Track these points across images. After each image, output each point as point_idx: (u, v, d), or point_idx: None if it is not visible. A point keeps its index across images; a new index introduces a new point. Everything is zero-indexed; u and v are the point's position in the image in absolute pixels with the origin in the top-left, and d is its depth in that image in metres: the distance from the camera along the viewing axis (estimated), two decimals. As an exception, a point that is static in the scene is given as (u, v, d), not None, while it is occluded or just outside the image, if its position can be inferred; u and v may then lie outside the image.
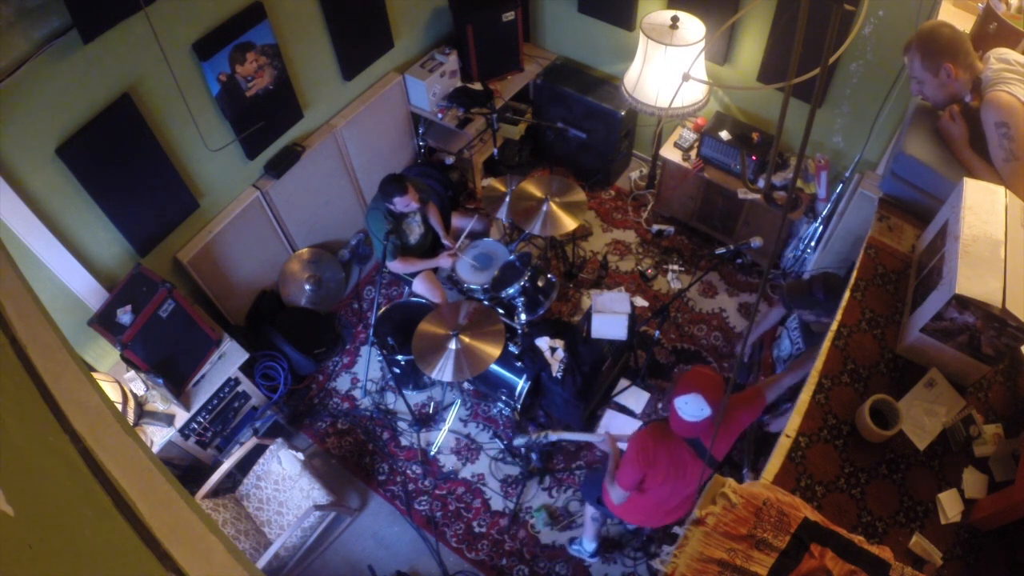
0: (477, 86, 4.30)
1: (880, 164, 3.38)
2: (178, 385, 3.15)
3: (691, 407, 2.18)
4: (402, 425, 3.76)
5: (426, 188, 3.77)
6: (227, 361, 3.32)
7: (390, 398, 3.87)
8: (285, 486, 3.23)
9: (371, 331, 3.36)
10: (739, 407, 2.44)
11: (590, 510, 2.96)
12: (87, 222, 2.89)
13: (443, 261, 3.65)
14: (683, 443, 2.33)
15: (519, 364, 3.36)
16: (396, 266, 3.55)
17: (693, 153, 4.03)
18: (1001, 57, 2.17)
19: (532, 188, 3.53)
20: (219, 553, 0.98)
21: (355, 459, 3.66)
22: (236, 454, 3.25)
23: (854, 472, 1.86)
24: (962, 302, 1.75)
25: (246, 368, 3.42)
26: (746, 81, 3.85)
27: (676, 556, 1.60)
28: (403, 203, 3.40)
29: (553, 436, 2.85)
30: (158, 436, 3.11)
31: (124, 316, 2.89)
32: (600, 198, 4.69)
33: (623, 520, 2.78)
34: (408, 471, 3.60)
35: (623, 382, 3.78)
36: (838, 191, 3.47)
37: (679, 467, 2.36)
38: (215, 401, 3.32)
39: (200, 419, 3.28)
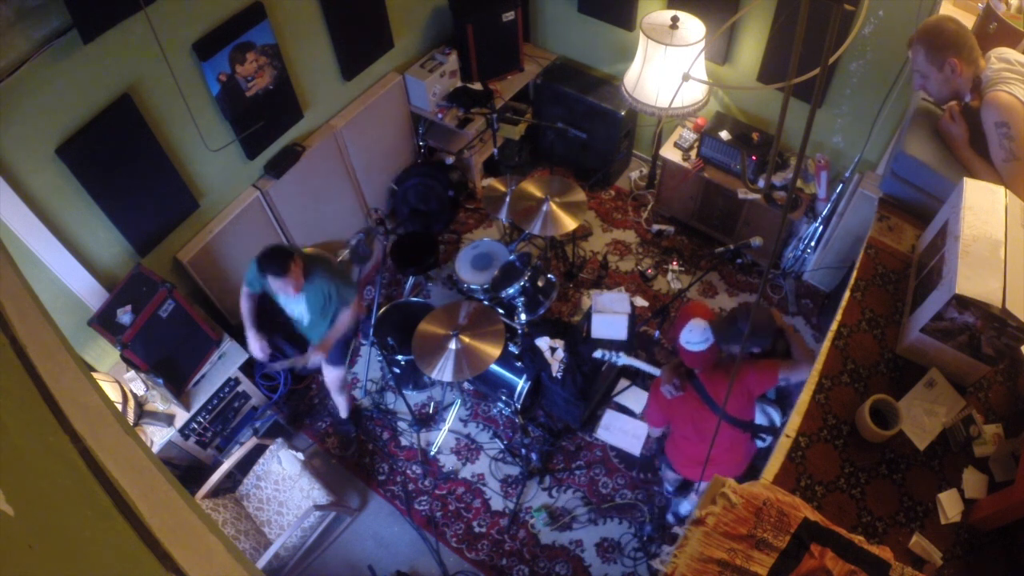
0: (477, 86, 4.30)
1: (880, 164, 3.38)
2: (178, 385, 3.15)
3: (694, 335, 2.43)
4: (402, 425, 3.75)
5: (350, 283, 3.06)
6: (227, 361, 3.32)
7: (390, 398, 3.87)
8: (285, 486, 3.23)
9: (371, 331, 3.36)
10: (746, 365, 2.51)
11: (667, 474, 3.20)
12: (87, 222, 2.89)
13: (256, 353, 3.10)
14: (697, 397, 2.54)
15: (519, 364, 3.36)
16: (242, 300, 3.05)
17: (693, 153, 4.03)
18: (1001, 57, 2.17)
19: (532, 188, 3.53)
20: (219, 553, 0.98)
21: (355, 459, 3.66)
22: (236, 454, 3.25)
23: (854, 472, 1.86)
24: (962, 302, 1.75)
25: (246, 368, 3.42)
26: (746, 81, 3.85)
27: (676, 556, 1.60)
28: (278, 285, 2.82)
29: (624, 359, 3.04)
30: (158, 436, 3.11)
31: (124, 316, 2.89)
32: (600, 198, 4.69)
33: (676, 469, 2.90)
34: (408, 471, 3.60)
35: (623, 382, 3.78)
36: (838, 191, 3.47)
37: (698, 413, 2.56)
38: (215, 401, 3.31)
39: (200, 419, 3.28)
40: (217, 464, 3.28)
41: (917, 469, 1.88)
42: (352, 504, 3.52)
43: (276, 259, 2.77)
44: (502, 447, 3.63)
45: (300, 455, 3.30)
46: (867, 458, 1.88)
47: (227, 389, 3.36)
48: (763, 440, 2.64)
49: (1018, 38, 2.31)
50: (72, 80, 2.55)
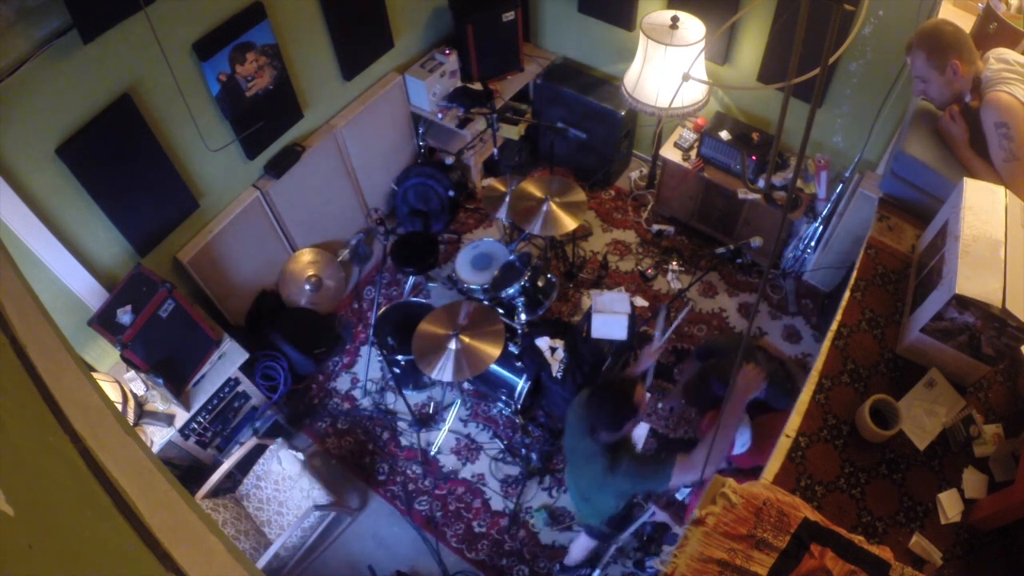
0: (477, 86, 4.30)
1: (880, 164, 3.38)
2: (178, 385, 3.15)
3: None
4: (402, 425, 3.75)
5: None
6: (227, 361, 3.32)
7: (390, 398, 3.87)
8: (285, 486, 3.23)
9: (371, 331, 3.36)
10: (772, 424, 2.49)
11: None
12: (87, 222, 2.89)
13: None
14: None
15: (519, 364, 3.36)
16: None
17: (693, 153, 4.03)
18: (1000, 57, 2.17)
19: (532, 188, 3.53)
20: (219, 553, 0.98)
21: (355, 459, 3.66)
22: (236, 454, 3.25)
23: (854, 472, 1.86)
24: (962, 302, 1.75)
25: (246, 368, 3.42)
26: (746, 81, 3.85)
27: (676, 556, 1.60)
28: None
29: (660, 516, 2.85)
30: (158, 436, 3.11)
31: (124, 316, 2.89)
32: (600, 198, 4.69)
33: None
34: (408, 471, 3.60)
35: (623, 382, 3.78)
36: (838, 191, 3.47)
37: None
38: (215, 401, 3.31)
39: (200, 419, 3.28)
40: (217, 464, 3.28)
41: (917, 469, 1.88)
42: (352, 504, 3.52)
43: (623, 388, 2.24)
44: (502, 447, 3.63)
45: (300, 455, 3.30)
46: (867, 458, 1.89)
47: (227, 389, 3.36)
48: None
49: (1018, 38, 2.31)
50: (72, 80, 2.55)
